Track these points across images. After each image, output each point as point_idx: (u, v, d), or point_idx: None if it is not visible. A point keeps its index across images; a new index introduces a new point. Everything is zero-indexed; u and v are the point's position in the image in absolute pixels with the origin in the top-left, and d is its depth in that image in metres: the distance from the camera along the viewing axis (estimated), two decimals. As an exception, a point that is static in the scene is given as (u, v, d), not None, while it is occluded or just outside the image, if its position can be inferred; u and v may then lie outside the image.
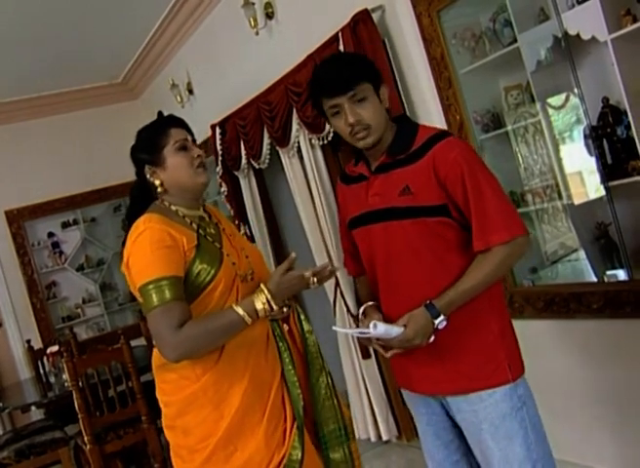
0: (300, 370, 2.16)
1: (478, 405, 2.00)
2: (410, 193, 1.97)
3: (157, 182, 2.12)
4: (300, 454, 2.03)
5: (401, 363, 2.15)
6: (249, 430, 2.00)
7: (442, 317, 1.92)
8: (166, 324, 1.90)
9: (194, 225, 2.09)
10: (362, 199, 2.09)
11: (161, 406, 2.14)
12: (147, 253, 1.95)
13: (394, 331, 1.92)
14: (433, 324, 1.92)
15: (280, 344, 2.13)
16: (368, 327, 1.93)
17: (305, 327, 2.25)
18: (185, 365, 2.01)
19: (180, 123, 2.16)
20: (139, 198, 2.19)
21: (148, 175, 2.13)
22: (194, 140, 2.17)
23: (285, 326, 2.20)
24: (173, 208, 2.11)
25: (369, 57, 2.15)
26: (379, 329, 1.91)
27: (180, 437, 2.08)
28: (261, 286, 2.01)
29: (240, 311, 1.96)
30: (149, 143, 2.12)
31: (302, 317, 2.25)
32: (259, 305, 1.97)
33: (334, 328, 2.20)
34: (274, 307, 1.99)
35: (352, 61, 2.04)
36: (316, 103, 2.06)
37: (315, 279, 2.05)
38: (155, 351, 2.13)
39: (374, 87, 2.00)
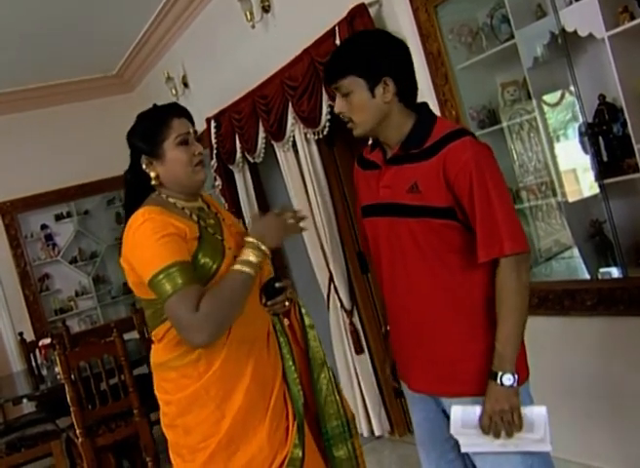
0: (301, 366, 2.12)
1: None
2: (418, 191, 1.91)
3: (153, 174, 2.03)
4: (300, 453, 1.98)
5: (402, 359, 2.13)
6: (251, 429, 1.95)
7: (500, 374, 1.86)
8: (184, 309, 1.80)
9: (194, 217, 2.02)
10: (373, 188, 2.05)
11: (160, 404, 2.08)
12: (151, 243, 1.87)
13: (477, 410, 1.91)
14: (502, 384, 1.86)
15: (281, 339, 2.09)
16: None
17: (307, 321, 2.20)
18: (188, 363, 1.96)
19: (183, 113, 2.07)
20: (134, 185, 2.10)
21: (144, 166, 2.03)
22: (196, 132, 2.09)
23: (286, 320, 2.15)
24: (171, 200, 2.03)
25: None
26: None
27: (181, 436, 2.02)
28: (245, 238, 1.97)
29: (237, 266, 1.90)
30: (149, 134, 2.02)
31: (304, 311, 2.20)
32: (247, 256, 1.91)
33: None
34: (264, 249, 1.93)
35: (346, 52, 1.97)
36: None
37: (290, 217, 2.03)
38: (155, 348, 2.07)
39: (366, 81, 1.91)
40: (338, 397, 2.18)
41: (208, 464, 1.96)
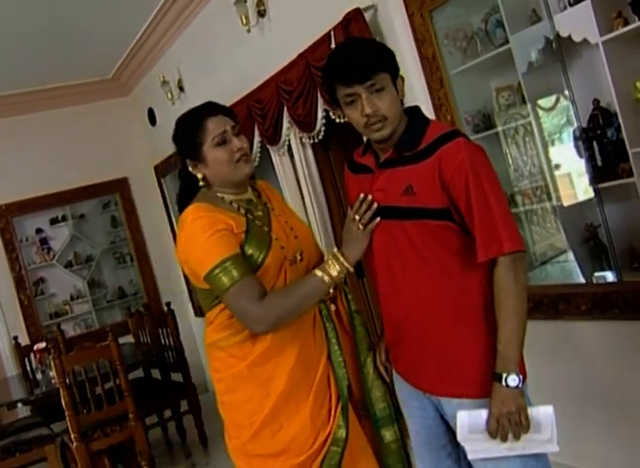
0: (347, 351, 2.15)
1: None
2: (413, 194, 1.91)
3: (199, 176, 2.10)
4: (344, 433, 2.04)
5: (402, 360, 2.12)
6: (295, 408, 2.03)
7: (505, 375, 1.85)
8: (246, 298, 1.91)
9: (242, 210, 2.08)
10: (366, 192, 2.03)
11: (213, 382, 2.18)
12: (203, 240, 1.95)
13: (483, 414, 1.89)
14: (507, 385, 1.85)
15: (327, 325, 2.13)
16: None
17: (353, 306, 2.23)
18: (234, 344, 2.04)
19: (218, 110, 2.08)
20: (187, 182, 2.18)
21: (190, 168, 2.11)
22: (234, 126, 2.09)
23: (332, 306, 2.18)
24: (219, 195, 2.09)
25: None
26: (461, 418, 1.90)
27: (229, 413, 2.13)
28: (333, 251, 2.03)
29: (319, 273, 1.98)
30: (187, 139, 2.07)
31: (350, 297, 2.24)
32: (330, 267, 1.99)
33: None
34: (345, 265, 1.99)
35: (373, 49, 1.96)
36: (329, 90, 1.98)
37: (358, 219, 2.00)
38: (206, 330, 2.14)
39: (391, 77, 1.93)
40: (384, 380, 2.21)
41: (252, 440, 2.05)
